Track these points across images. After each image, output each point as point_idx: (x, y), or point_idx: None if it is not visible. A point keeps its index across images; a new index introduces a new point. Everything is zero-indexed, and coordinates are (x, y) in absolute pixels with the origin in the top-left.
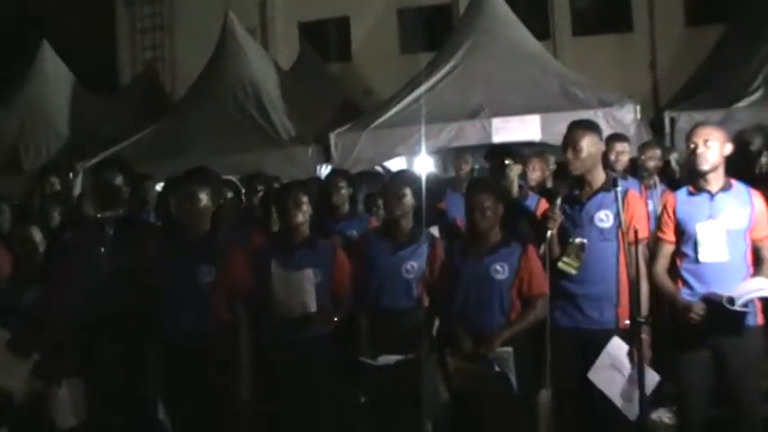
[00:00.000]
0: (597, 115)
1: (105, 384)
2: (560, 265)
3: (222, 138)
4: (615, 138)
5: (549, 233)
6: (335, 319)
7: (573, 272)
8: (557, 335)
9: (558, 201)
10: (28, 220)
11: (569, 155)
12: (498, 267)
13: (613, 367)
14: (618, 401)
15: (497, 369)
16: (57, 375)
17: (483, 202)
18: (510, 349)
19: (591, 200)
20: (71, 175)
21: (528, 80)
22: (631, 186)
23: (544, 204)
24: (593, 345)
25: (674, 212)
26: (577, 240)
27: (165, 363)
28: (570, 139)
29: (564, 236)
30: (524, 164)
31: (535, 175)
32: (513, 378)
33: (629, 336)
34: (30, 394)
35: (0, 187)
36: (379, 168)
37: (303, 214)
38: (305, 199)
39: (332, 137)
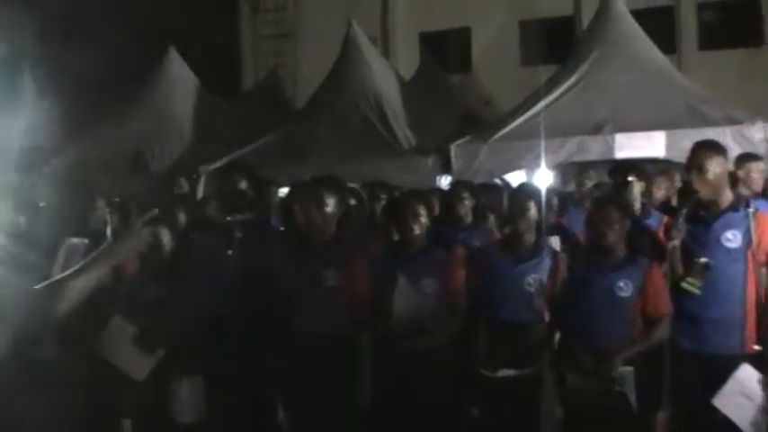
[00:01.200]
0: (725, 133)
1: (226, 383)
2: (683, 284)
3: (343, 145)
4: (749, 157)
5: (671, 244)
6: (452, 330)
7: (696, 291)
8: (678, 356)
9: (684, 212)
10: (155, 220)
11: (694, 177)
12: (622, 284)
13: (743, 395)
14: (747, 430)
15: (617, 388)
16: (179, 372)
17: (610, 217)
18: (631, 368)
19: (718, 220)
20: (197, 177)
21: (653, 95)
22: (761, 207)
23: (667, 222)
24: (717, 369)
25: None
26: (702, 260)
27: (286, 364)
28: (695, 162)
29: (688, 256)
30: (648, 181)
31: (660, 193)
32: (632, 397)
33: (758, 362)
34: (153, 389)
35: (127, 188)
36: (497, 181)
37: (420, 226)
38: (423, 210)
39: (452, 148)
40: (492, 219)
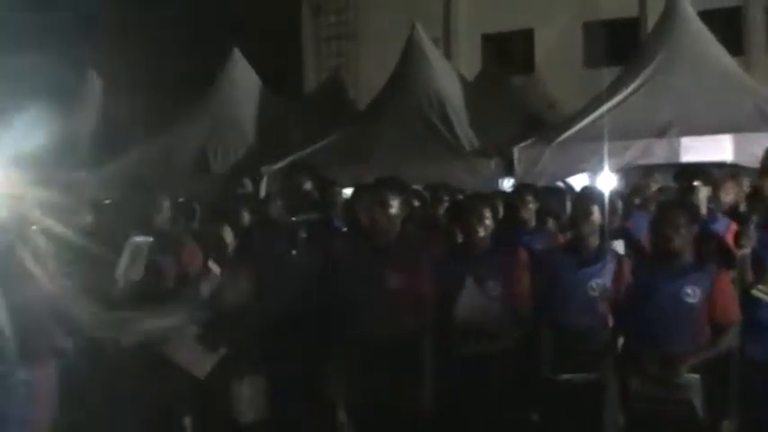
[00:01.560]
0: None
1: (288, 383)
2: (755, 292)
3: (406, 147)
4: None
5: (741, 252)
6: (515, 334)
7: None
8: (747, 366)
9: (754, 219)
10: (219, 220)
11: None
12: (689, 290)
13: None
14: None
15: (683, 395)
16: (240, 371)
17: (676, 221)
18: (698, 376)
19: None
20: (260, 178)
21: (720, 98)
22: None
23: (734, 228)
24: None
25: None
26: None
27: (348, 365)
28: None
29: (759, 263)
30: (715, 186)
31: (728, 198)
32: (698, 405)
33: None
34: (215, 387)
35: (189, 188)
36: (560, 183)
37: (485, 228)
38: (488, 213)
39: (515, 150)
40: (552, 222)
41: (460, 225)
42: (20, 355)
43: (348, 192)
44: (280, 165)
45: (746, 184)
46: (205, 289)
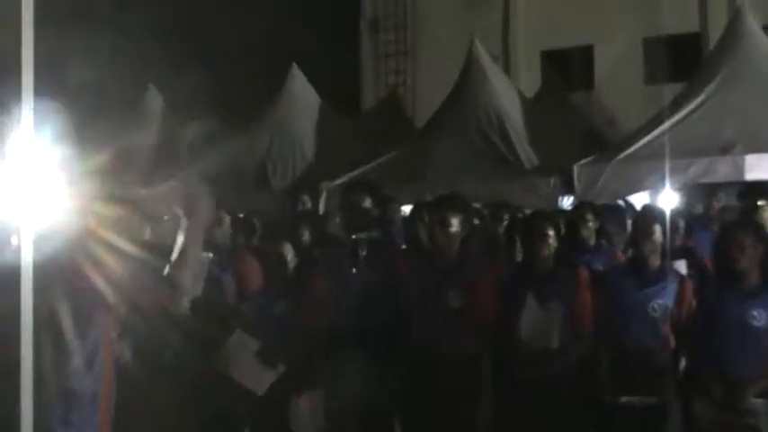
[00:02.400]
0: None
1: (347, 399)
2: None
3: (465, 164)
4: None
5: None
6: (577, 355)
7: None
8: None
9: None
10: (280, 236)
11: None
12: (755, 313)
13: None
14: None
15: (750, 420)
16: (299, 386)
17: (742, 242)
18: (764, 401)
19: None
20: (319, 194)
21: None
22: None
23: None
24: None
25: None
26: None
27: (408, 383)
28: None
29: None
30: None
31: None
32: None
33: None
34: (274, 402)
35: (249, 203)
36: (620, 202)
37: (549, 247)
38: (551, 232)
39: (575, 168)
40: (611, 241)
41: (524, 243)
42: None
43: (407, 209)
44: (338, 181)
45: None
46: (271, 306)
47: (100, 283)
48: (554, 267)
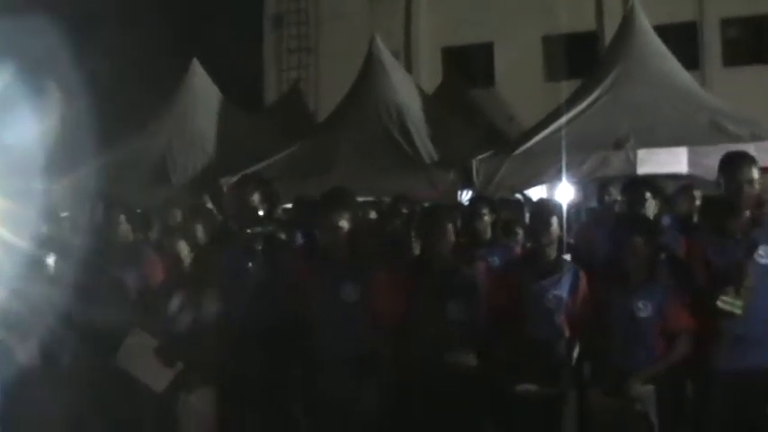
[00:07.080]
0: (749, 149)
1: (245, 397)
2: (719, 304)
3: (365, 159)
4: None
5: None
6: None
7: (738, 312)
8: (714, 378)
9: None
10: (175, 233)
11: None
12: (641, 305)
13: None
14: None
15: (638, 407)
16: (190, 383)
17: (633, 240)
18: (652, 387)
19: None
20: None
21: (676, 111)
22: None
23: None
24: (753, 388)
25: None
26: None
27: (307, 380)
28: (745, 174)
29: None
30: (664, 198)
31: (681, 209)
32: (654, 417)
33: None
34: (169, 398)
35: (148, 199)
36: (518, 195)
37: (446, 242)
38: (449, 226)
39: (474, 162)
40: (521, 234)
41: (420, 237)
42: None
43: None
44: (236, 178)
45: (698, 195)
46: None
47: None
48: (450, 263)
